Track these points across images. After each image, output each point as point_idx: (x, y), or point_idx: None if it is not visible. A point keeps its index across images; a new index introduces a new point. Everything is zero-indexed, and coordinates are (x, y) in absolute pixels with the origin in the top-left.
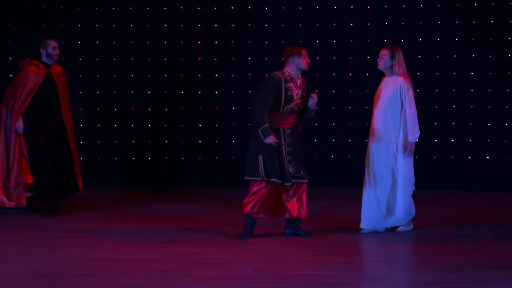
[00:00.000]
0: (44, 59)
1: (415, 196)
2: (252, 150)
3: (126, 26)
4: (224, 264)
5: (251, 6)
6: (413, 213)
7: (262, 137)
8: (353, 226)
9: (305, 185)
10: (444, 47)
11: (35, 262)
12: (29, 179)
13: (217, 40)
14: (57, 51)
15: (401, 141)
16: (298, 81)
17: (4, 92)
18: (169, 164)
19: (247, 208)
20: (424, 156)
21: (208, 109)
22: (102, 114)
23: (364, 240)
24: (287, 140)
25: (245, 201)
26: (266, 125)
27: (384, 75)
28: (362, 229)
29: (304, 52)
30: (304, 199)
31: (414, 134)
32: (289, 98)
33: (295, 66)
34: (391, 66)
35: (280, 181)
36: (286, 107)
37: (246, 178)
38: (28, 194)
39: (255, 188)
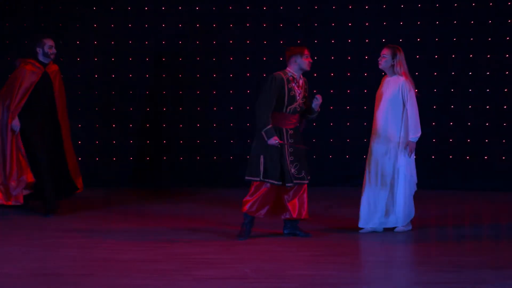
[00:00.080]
0: (41, 58)
1: (415, 196)
2: (254, 150)
3: (124, 26)
4: (224, 264)
5: (249, 6)
6: (413, 214)
7: (266, 138)
8: (353, 226)
9: (306, 185)
10: (443, 47)
11: (35, 262)
12: (30, 177)
13: (215, 40)
14: (54, 50)
15: (402, 140)
16: (300, 81)
17: (0, 91)
18: (168, 164)
19: (246, 207)
20: (424, 156)
21: (207, 109)
22: (100, 114)
23: (364, 240)
24: (290, 140)
25: (244, 200)
26: (270, 126)
27: (384, 75)
28: (361, 229)
29: (306, 52)
30: (305, 200)
31: (415, 134)
32: (292, 99)
33: (297, 66)
34: (392, 65)
35: (279, 183)
36: (289, 108)
37: (246, 177)
38: (25, 192)
39: (254, 188)
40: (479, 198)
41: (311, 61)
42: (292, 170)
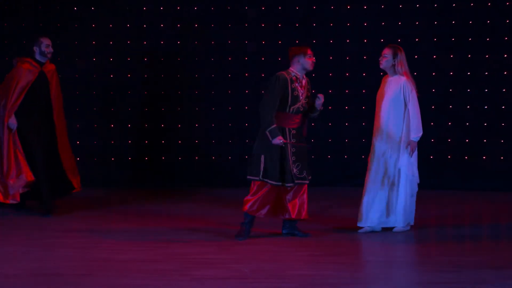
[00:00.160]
0: (38, 57)
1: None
2: (255, 149)
3: (123, 26)
4: (223, 264)
5: (248, 7)
6: (412, 215)
7: (270, 138)
8: (353, 226)
9: (306, 185)
10: (441, 47)
11: (35, 262)
12: (29, 176)
13: (214, 40)
14: (51, 49)
15: (404, 140)
16: (303, 81)
17: None
18: (168, 164)
19: (246, 206)
20: (423, 156)
21: (206, 109)
22: (99, 114)
23: (364, 240)
24: (292, 140)
25: (245, 199)
26: (274, 126)
27: (384, 75)
28: (361, 228)
29: (309, 51)
30: (305, 200)
31: (417, 133)
32: (295, 98)
33: (300, 66)
34: (394, 65)
35: (278, 183)
36: (292, 107)
37: (248, 177)
38: (22, 190)
39: (255, 187)
40: (479, 198)
41: (314, 60)
42: (294, 170)
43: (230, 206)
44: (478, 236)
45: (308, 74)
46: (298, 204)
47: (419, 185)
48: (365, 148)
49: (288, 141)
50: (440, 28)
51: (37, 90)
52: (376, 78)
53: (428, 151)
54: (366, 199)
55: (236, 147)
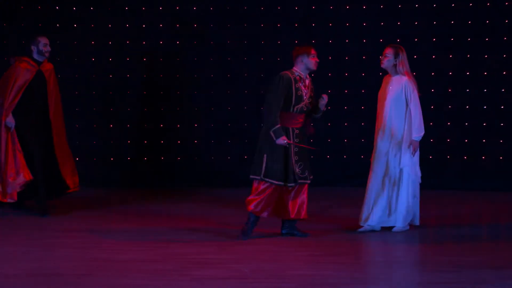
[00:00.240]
0: (35, 56)
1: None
2: (258, 149)
3: (122, 26)
4: (223, 264)
5: (247, 7)
6: (417, 216)
7: (274, 138)
8: (353, 226)
9: (307, 185)
10: (440, 47)
11: (35, 262)
12: (28, 175)
13: (213, 40)
14: (48, 48)
15: (406, 139)
16: (307, 81)
17: None
18: (167, 164)
19: (251, 206)
20: (423, 156)
21: (205, 109)
22: (99, 114)
23: (364, 240)
24: (295, 140)
25: (249, 198)
26: (278, 125)
27: (385, 75)
28: (360, 227)
29: (313, 51)
30: (305, 200)
31: (419, 133)
32: (299, 98)
33: (303, 66)
34: (395, 65)
35: (280, 183)
36: (296, 107)
37: (251, 176)
38: (19, 189)
39: (261, 187)
40: (479, 198)
41: (317, 60)
42: (297, 170)
43: (230, 206)
44: (478, 236)
45: (308, 74)
46: (298, 204)
47: (419, 185)
48: (365, 148)
49: (292, 141)
50: (439, 28)
51: (34, 89)
52: (376, 78)
53: (428, 151)
54: (368, 199)
55: (235, 147)
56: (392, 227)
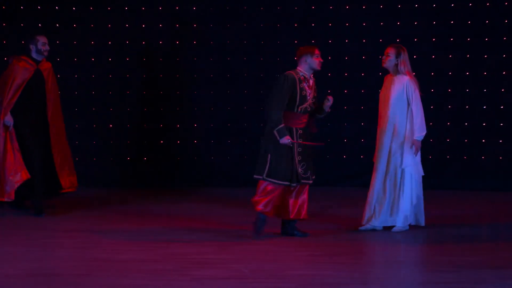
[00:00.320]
0: (34, 55)
1: None
2: (262, 149)
3: (121, 26)
4: (223, 264)
5: (247, 7)
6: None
7: (278, 138)
8: (353, 226)
9: (308, 185)
10: (440, 47)
11: (35, 262)
12: (26, 174)
13: (213, 40)
14: (47, 47)
15: (408, 139)
16: (311, 81)
17: None
18: (167, 164)
19: (260, 206)
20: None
21: (205, 109)
22: (98, 114)
23: (364, 240)
24: (299, 140)
25: (256, 199)
26: (282, 125)
27: (386, 75)
28: (361, 226)
29: (316, 51)
30: (306, 200)
31: (421, 132)
32: (303, 98)
33: (307, 66)
34: (396, 65)
35: (284, 183)
36: (300, 107)
37: (254, 176)
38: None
39: (269, 188)
40: (479, 198)
41: (321, 60)
42: (299, 170)
43: (230, 206)
44: (478, 236)
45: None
46: (298, 204)
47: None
48: (365, 148)
49: (295, 140)
50: (439, 28)
51: (33, 88)
52: (376, 78)
53: (427, 151)
54: (371, 199)
55: (235, 147)
56: (393, 226)
